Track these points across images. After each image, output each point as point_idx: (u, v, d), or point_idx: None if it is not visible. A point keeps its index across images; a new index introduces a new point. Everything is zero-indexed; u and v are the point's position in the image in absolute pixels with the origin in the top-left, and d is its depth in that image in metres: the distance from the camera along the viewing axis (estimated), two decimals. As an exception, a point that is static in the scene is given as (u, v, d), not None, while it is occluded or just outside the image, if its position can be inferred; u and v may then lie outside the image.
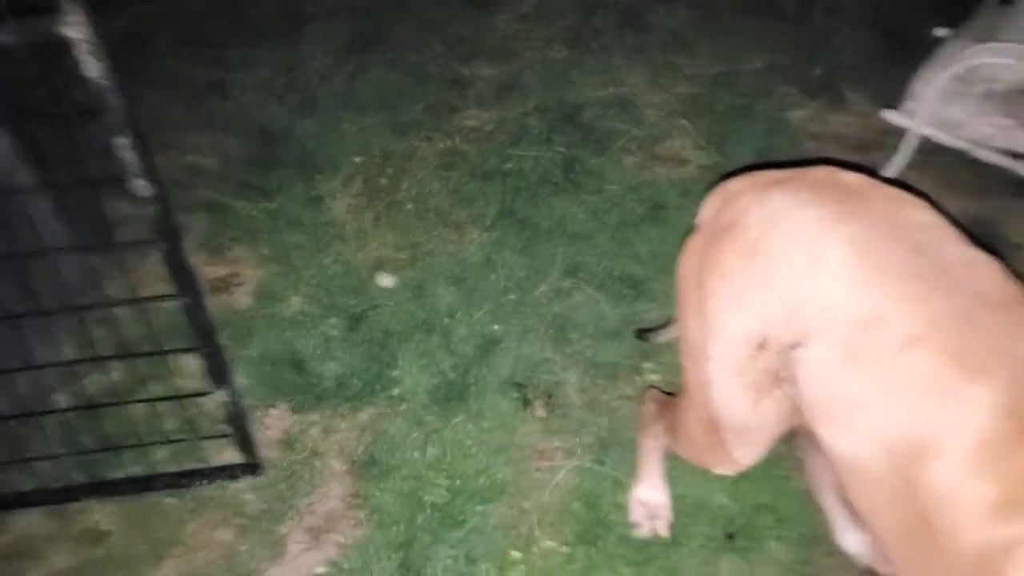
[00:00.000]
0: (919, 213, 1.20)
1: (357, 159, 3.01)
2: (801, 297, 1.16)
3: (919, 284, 1.10)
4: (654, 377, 2.19)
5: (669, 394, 1.90)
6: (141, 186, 1.51)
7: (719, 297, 1.27)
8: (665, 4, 3.57)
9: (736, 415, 1.33)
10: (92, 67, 1.35)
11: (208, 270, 2.64)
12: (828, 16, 3.42)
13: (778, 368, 1.21)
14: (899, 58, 3.11)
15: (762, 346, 1.22)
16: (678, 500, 1.88)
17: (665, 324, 2.15)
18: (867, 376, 1.09)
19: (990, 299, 1.08)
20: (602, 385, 2.19)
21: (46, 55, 1.33)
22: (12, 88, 1.78)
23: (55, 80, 1.41)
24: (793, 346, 1.18)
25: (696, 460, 1.55)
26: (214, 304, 2.50)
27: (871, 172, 1.33)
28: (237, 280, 2.61)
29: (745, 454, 1.41)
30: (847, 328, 1.11)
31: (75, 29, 1.30)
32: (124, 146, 1.45)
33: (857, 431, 1.11)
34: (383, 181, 2.92)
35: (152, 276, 2.52)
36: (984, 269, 1.13)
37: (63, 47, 1.33)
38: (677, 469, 1.90)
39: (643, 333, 2.21)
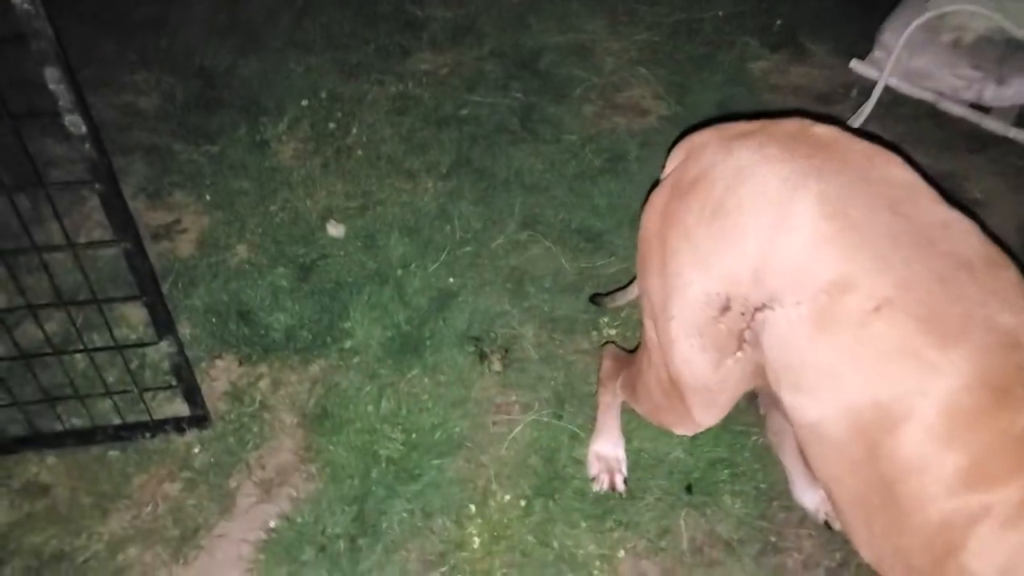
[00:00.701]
0: (894, 169, 1.15)
1: (304, 102, 2.88)
2: (767, 257, 1.11)
3: (891, 245, 1.05)
4: (611, 332, 2.17)
5: (628, 351, 1.88)
6: (73, 122, 1.39)
7: (682, 255, 1.23)
8: (625, -51, 3.47)
9: (697, 376, 1.30)
10: (15, -10, 1.22)
11: (149, 216, 2.51)
12: (789, -33, 3.38)
13: (742, 329, 1.18)
14: (860, 10, 3.10)
15: (726, 307, 1.18)
16: (635, 454, 1.88)
17: (621, 287, 2.12)
18: (835, 342, 1.05)
19: (966, 262, 1.05)
20: (559, 340, 2.17)
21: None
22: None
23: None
24: (759, 308, 1.14)
25: (655, 419, 1.53)
26: (156, 252, 2.40)
27: (842, 124, 1.29)
28: (179, 227, 2.49)
29: (706, 415, 1.39)
30: (815, 291, 1.07)
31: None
32: (54, 78, 1.34)
33: (823, 398, 1.08)
34: (331, 126, 2.80)
35: (89, 221, 2.40)
36: (960, 230, 1.09)
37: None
38: (634, 423, 1.89)
39: (598, 297, 2.18)
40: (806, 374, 1.10)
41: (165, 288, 2.28)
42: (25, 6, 1.25)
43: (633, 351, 1.77)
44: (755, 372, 1.24)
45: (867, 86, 2.41)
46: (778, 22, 3.12)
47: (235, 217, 2.50)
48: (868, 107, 2.34)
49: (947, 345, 0.98)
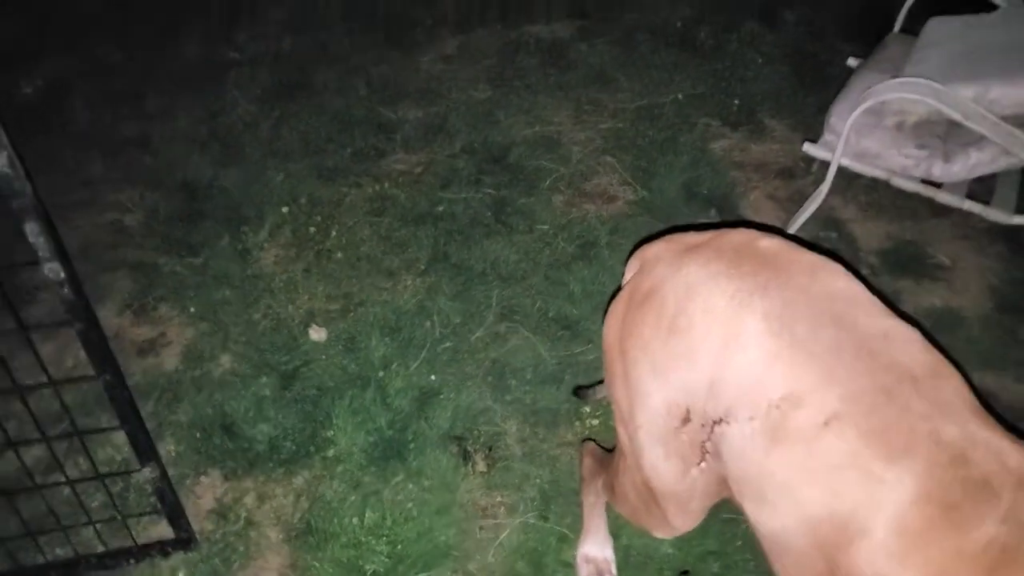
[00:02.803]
0: (836, 281, 1.19)
1: (284, 208, 2.96)
2: (720, 373, 1.15)
3: (836, 359, 1.08)
4: (594, 423, 2.20)
5: (607, 449, 1.90)
6: (53, 269, 1.45)
7: (641, 367, 1.27)
8: (586, 41, 3.63)
9: (665, 483, 1.33)
10: (-7, 155, 1.29)
11: (133, 332, 2.56)
12: (742, 47, 3.52)
13: (703, 441, 1.21)
14: (814, 86, 3.23)
15: (686, 419, 1.21)
16: (624, 551, 1.88)
17: (601, 380, 2.16)
18: (788, 456, 1.08)
19: (909, 373, 1.07)
20: (542, 434, 2.19)
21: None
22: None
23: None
24: (716, 422, 1.17)
25: (636, 522, 1.54)
26: (140, 367, 2.44)
27: (785, 233, 1.33)
28: (164, 340, 2.54)
29: (680, 520, 1.40)
30: (766, 406, 1.10)
31: (-29, 118, 1.25)
32: (34, 231, 1.40)
33: (782, 511, 1.10)
34: (312, 230, 2.88)
35: (72, 347, 2.43)
36: (902, 341, 1.11)
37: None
38: (622, 519, 1.90)
39: (580, 390, 2.21)
40: (764, 487, 1.12)
41: (150, 405, 2.31)
42: (6, 170, 1.32)
43: (611, 450, 1.79)
44: (721, 482, 1.26)
45: (827, 161, 2.51)
46: (736, 102, 3.24)
47: (219, 327, 2.55)
48: (825, 187, 2.44)
49: (894, 459, 1.00)
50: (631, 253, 1.45)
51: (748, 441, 1.12)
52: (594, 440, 2.05)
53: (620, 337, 1.32)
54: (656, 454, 1.30)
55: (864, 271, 2.58)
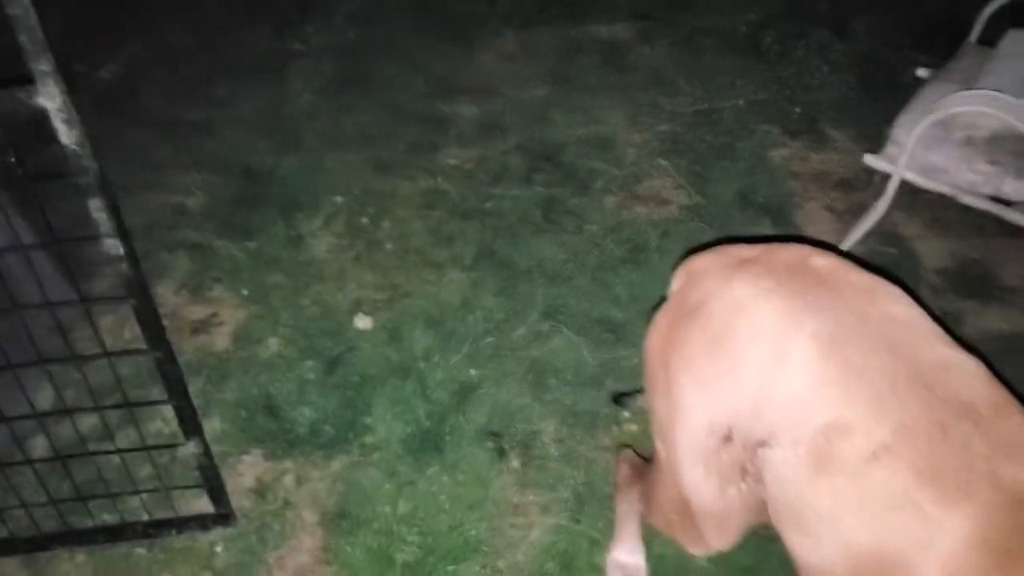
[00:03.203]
0: (894, 305, 1.14)
1: (339, 198, 3.01)
2: (765, 394, 1.11)
3: (889, 389, 1.03)
4: (633, 428, 2.19)
5: (644, 458, 1.89)
6: (112, 245, 1.51)
7: (684, 383, 1.24)
8: (648, 43, 3.59)
9: (704, 501, 1.30)
10: (67, 134, 1.35)
11: (188, 311, 2.64)
12: (809, 54, 3.45)
13: (745, 462, 1.18)
14: (882, 97, 3.13)
15: (728, 437, 1.18)
16: (656, 561, 1.85)
17: (642, 388, 2.14)
18: (834, 486, 1.04)
19: (969, 407, 1.02)
20: (579, 435, 2.18)
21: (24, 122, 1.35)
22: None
23: (32, 143, 1.42)
24: (759, 444, 1.13)
25: (669, 535, 1.52)
26: (193, 345, 2.51)
27: (842, 252, 1.28)
28: (217, 320, 2.61)
29: (716, 538, 1.37)
30: (812, 433, 1.05)
31: (49, 98, 1.31)
32: (97, 208, 1.46)
33: (823, 542, 1.06)
34: (364, 220, 2.92)
35: (131, 321, 2.52)
36: (963, 373, 1.06)
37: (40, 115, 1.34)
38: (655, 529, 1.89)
39: (620, 398, 2.20)
40: (806, 516, 1.08)
41: (199, 382, 2.38)
42: (75, 147, 1.38)
43: (649, 459, 1.78)
44: (761, 503, 1.23)
45: (888, 174, 2.44)
46: (798, 110, 3.18)
47: (269, 311, 2.61)
48: (884, 201, 2.36)
49: (948, 501, 0.95)
50: (679, 262, 1.43)
51: (791, 467, 1.08)
52: (632, 447, 2.04)
53: (663, 350, 1.30)
54: (695, 472, 1.27)
55: (925, 290, 2.50)
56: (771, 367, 1.11)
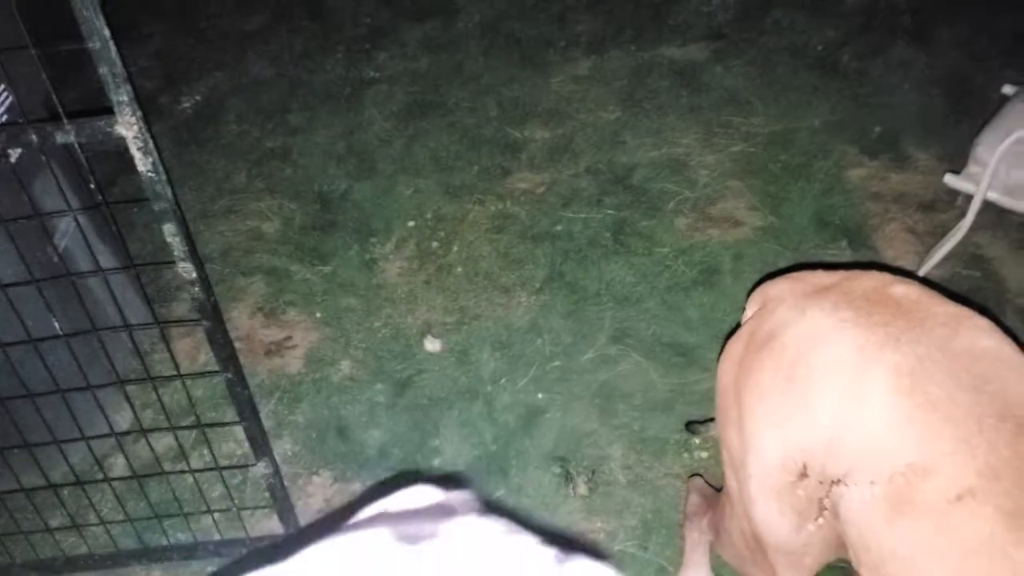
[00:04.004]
0: (981, 337, 1.07)
1: (411, 222, 3.05)
2: (841, 431, 1.06)
3: (975, 427, 0.97)
4: (703, 455, 2.12)
5: (715, 488, 1.82)
6: (185, 268, 1.56)
7: (757, 416, 1.19)
8: (722, 63, 3.54)
9: (779, 536, 1.24)
10: (142, 162, 1.41)
11: (263, 333, 2.71)
12: (889, 71, 3.32)
13: (822, 497, 1.12)
14: (966, 114, 3.00)
15: (803, 474, 1.13)
16: (724, 591, 1.79)
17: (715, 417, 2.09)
18: (914, 530, 0.98)
19: None
20: (648, 462, 2.14)
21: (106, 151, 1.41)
22: (80, 178, 1.90)
23: (120, 171, 1.48)
24: (835, 481, 1.08)
25: (739, 569, 1.47)
26: (266, 367, 2.57)
27: (927, 281, 1.21)
28: (290, 343, 2.67)
29: (792, 575, 1.31)
30: (891, 473, 1.00)
31: (127, 127, 1.37)
32: (171, 232, 1.51)
33: None
34: (435, 244, 2.95)
35: (204, 344, 2.60)
36: None
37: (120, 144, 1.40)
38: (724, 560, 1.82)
39: (693, 425, 2.14)
40: (884, 559, 1.02)
41: (271, 404, 2.44)
42: (150, 174, 1.43)
43: (719, 488, 1.72)
44: (838, 541, 1.17)
45: (971, 194, 2.32)
46: (877, 129, 3.06)
47: (341, 333, 2.65)
48: (966, 223, 2.24)
49: None
50: (753, 288, 1.38)
51: (868, 507, 1.03)
52: (702, 476, 1.98)
53: (736, 380, 1.25)
54: (768, 507, 1.22)
55: (1012, 315, 2.36)
56: (848, 402, 1.06)
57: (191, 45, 4.24)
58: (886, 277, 1.19)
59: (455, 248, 2.92)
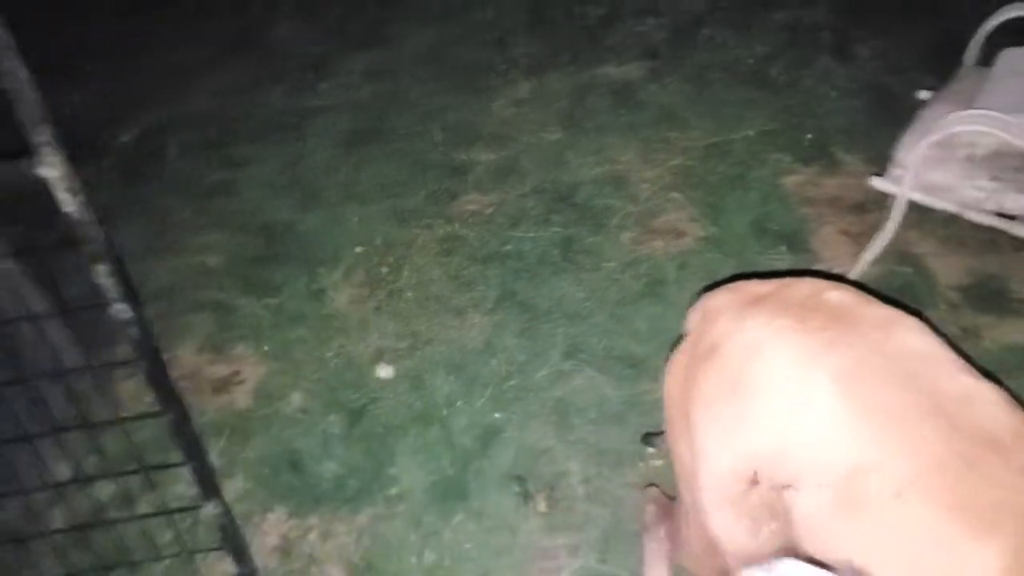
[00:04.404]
0: (912, 337, 1.11)
1: (359, 249, 3.04)
2: (788, 437, 1.08)
3: (913, 424, 1.01)
4: (659, 463, 2.14)
5: (671, 497, 1.84)
6: (121, 309, 1.53)
7: (705, 428, 1.21)
8: (657, 81, 3.62)
9: (735, 543, 1.26)
10: (68, 203, 1.38)
11: (210, 370, 2.66)
12: (815, 83, 3.44)
13: (774, 502, 1.14)
14: (888, 120, 3.09)
15: (754, 481, 1.15)
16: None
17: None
18: (863, 528, 1.01)
19: (994, 439, 0.99)
20: (606, 474, 2.15)
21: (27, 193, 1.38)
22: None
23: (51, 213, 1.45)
24: (786, 486, 1.10)
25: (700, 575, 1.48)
26: (215, 404, 2.53)
27: (861, 285, 1.24)
28: (238, 379, 2.63)
29: None
30: (837, 474, 1.03)
31: (50, 168, 1.34)
32: (104, 273, 1.48)
33: None
34: (384, 270, 2.94)
35: (142, 388, 2.54)
36: (984, 403, 1.04)
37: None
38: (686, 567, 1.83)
39: (649, 437, 2.16)
40: (838, 559, 1.05)
41: (222, 442, 2.39)
42: (77, 215, 1.41)
43: (675, 498, 1.73)
44: (794, 544, 1.18)
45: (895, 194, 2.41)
46: (808, 136, 3.16)
47: (291, 366, 2.62)
48: (892, 223, 2.34)
49: (978, 536, 0.92)
50: (695, 299, 1.41)
51: (819, 509, 1.05)
52: (657, 485, 2.00)
53: (682, 393, 1.27)
54: (723, 515, 1.24)
55: (943, 307, 2.45)
56: (791, 409, 1.09)
57: (133, 81, 4.19)
58: (819, 284, 1.22)
59: (405, 273, 2.91)
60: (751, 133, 3.21)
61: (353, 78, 4.03)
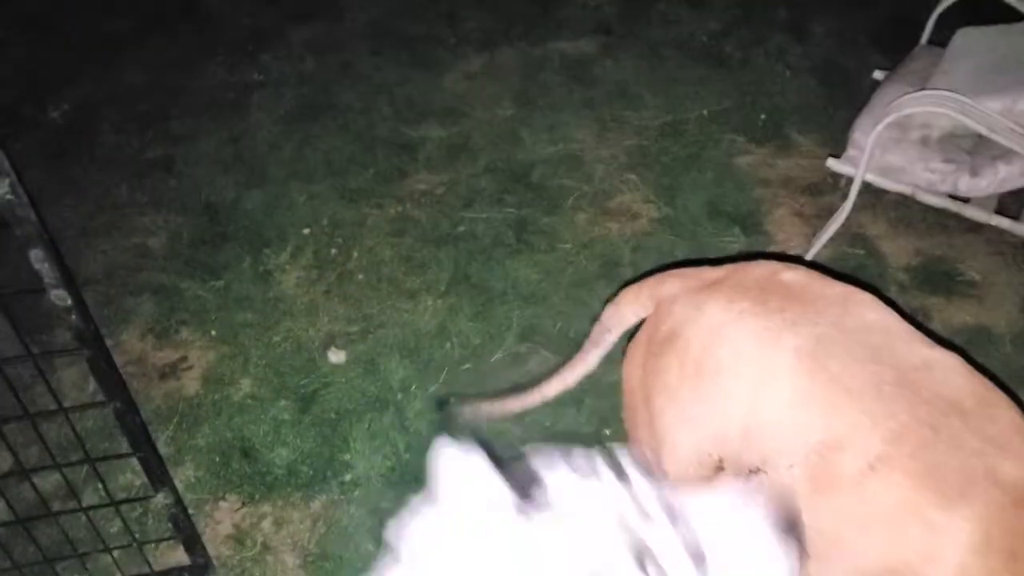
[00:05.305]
0: (868, 312, 1.12)
1: (306, 230, 2.96)
2: (753, 419, 1.08)
3: (876, 397, 1.01)
4: (615, 445, 2.14)
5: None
6: (59, 296, 1.44)
7: (668, 415, 1.20)
8: (611, 57, 3.59)
9: None
10: (-1, 185, 1.29)
11: (156, 356, 2.57)
12: (769, 61, 3.46)
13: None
14: (844, 100, 3.14)
15: (719, 467, 1.14)
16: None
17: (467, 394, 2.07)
18: (835, 505, 1.01)
19: (956, 404, 1.00)
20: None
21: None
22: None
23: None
24: (754, 470, 1.10)
25: None
26: (162, 391, 2.44)
27: (814, 264, 1.25)
28: (185, 364, 2.54)
29: None
30: (806, 452, 1.03)
31: (-25, 148, 1.25)
32: (38, 258, 1.40)
33: (832, 566, 1.03)
34: (333, 251, 2.87)
35: (84, 374, 2.44)
36: (944, 370, 1.05)
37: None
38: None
39: (446, 405, 2.14)
40: (812, 538, 1.04)
41: (170, 429, 2.31)
42: (8, 197, 1.32)
43: None
44: None
45: (851, 176, 2.44)
46: (762, 116, 3.18)
47: (239, 351, 2.54)
48: (848, 205, 2.37)
49: (950, 504, 0.93)
50: (625, 285, 1.38)
51: (790, 490, 1.05)
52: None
53: (642, 381, 1.25)
54: None
55: (893, 288, 2.50)
56: (756, 390, 1.08)
57: (56, 52, 3.97)
58: (774, 265, 1.22)
59: (355, 255, 2.85)
60: (705, 112, 3.22)
61: (295, 50, 3.89)
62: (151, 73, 3.79)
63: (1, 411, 1.70)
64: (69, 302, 1.45)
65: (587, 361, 1.49)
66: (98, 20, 4.12)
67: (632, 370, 1.29)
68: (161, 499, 1.79)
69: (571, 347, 2.44)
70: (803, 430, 1.04)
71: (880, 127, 2.14)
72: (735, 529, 0.69)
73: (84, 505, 1.81)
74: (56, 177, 3.22)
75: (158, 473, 1.74)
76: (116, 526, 2.02)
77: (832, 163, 2.47)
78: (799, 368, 1.05)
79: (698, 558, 0.68)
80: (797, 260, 1.25)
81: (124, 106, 3.59)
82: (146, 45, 3.96)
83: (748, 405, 1.09)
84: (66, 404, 1.66)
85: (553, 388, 1.51)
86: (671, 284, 1.29)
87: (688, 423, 1.17)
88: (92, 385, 2.41)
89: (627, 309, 1.33)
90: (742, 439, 1.10)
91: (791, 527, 0.71)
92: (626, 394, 1.31)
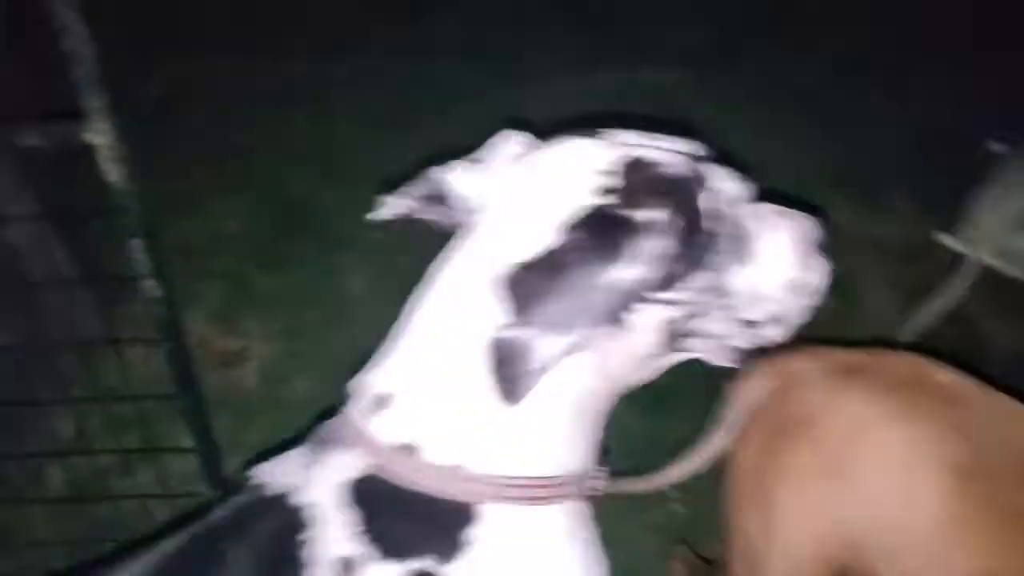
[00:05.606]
0: None
1: (378, 233, 2.92)
2: (894, 536, 0.99)
3: None
4: (680, 510, 2.04)
5: (703, 559, 1.72)
6: (150, 286, 1.42)
7: (791, 510, 1.10)
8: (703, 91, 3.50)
9: None
10: (112, 172, 1.28)
11: (219, 343, 2.56)
12: (869, 119, 3.33)
13: None
14: (945, 164, 2.98)
15: (839, 573, 1.05)
16: None
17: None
18: None
19: None
20: (624, 514, 2.04)
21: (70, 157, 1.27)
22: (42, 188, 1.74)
23: (78, 180, 1.34)
24: None
25: None
26: (221, 380, 2.42)
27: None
28: (247, 355, 2.53)
29: None
30: None
31: (98, 135, 1.23)
32: (137, 248, 1.38)
33: None
34: (402, 257, 2.83)
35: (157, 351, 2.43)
36: None
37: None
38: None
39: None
40: None
41: (226, 419, 2.27)
42: (119, 186, 1.30)
43: (709, 561, 1.62)
44: None
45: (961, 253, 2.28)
46: (857, 175, 3.06)
47: (301, 348, 2.53)
48: (957, 286, 2.21)
49: None
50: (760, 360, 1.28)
51: None
52: (687, 543, 1.88)
53: (759, 465, 1.16)
54: None
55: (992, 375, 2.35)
56: (901, 503, 1.00)
57: (141, 34, 3.99)
58: (920, 361, 1.13)
59: (424, 261, 2.80)
60: (798, 167, 3.10)
61: (382, 52, 3.87)
62: (239, 59, 3.78)
63: (71, 382, 1.70)
64: (159, 294, 1.43)
65: (716, 444, 1.38)
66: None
67: (749, 451, 1.19)
68: (214, 496, 1.76)
69: (639, 395, 2.35)
70: (951, 558, 0.95)
71: (1013, 207, 1.98)
72: None
73: (138, 492, 1.78)
74: (144, 150, 3.23)
75: (215, 473, 1.71)
76: (162, 512, 1.99)
77: (944, 238, 2.30)
78: (954, 490, 0.96)
79: None
80: (898, 343, 1.14)
81: (216, 92, 3.60)
82: (233, 33, 3.95)
83: (890, 518, 1.00)
84: (128, 387, 1.63)
85: (677, 473, 1.42)
86: (803, 361, 1.19)
87: (815, 521, 1.08)
88: (155, 363, 2.41)
89: (757, 384, 1.23)
90: (878, 553, 1.01)
91: None
92: (736, 475, 1.21)
